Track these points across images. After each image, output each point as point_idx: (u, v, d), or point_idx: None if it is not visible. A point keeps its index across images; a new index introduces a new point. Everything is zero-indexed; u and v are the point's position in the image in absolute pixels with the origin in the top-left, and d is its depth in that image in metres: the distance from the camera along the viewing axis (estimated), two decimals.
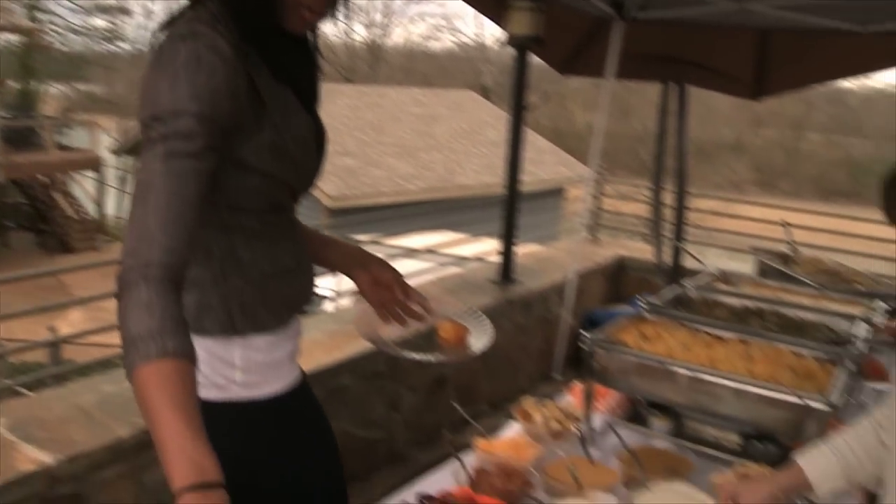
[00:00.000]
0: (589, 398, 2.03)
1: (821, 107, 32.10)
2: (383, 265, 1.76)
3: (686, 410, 2.07)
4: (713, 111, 26.67)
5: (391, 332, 1.78)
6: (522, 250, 5.51)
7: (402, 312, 1.76)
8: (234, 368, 1.47)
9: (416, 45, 30.40)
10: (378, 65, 28.09)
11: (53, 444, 2.44)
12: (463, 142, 16.60)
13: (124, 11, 29.38)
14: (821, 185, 29.31)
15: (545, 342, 4.70)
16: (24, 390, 5.62)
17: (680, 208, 4.66)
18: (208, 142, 1.26)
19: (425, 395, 3.88)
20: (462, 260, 5.48)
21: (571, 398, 2.21)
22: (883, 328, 2.45)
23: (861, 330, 2.28)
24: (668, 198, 4.93)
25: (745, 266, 3.35)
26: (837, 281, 2.94)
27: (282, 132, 1.40)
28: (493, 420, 1.96)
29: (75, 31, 28.74)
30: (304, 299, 1.60)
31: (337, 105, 16.36)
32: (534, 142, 18.00)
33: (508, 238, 4.47)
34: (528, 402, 2.07)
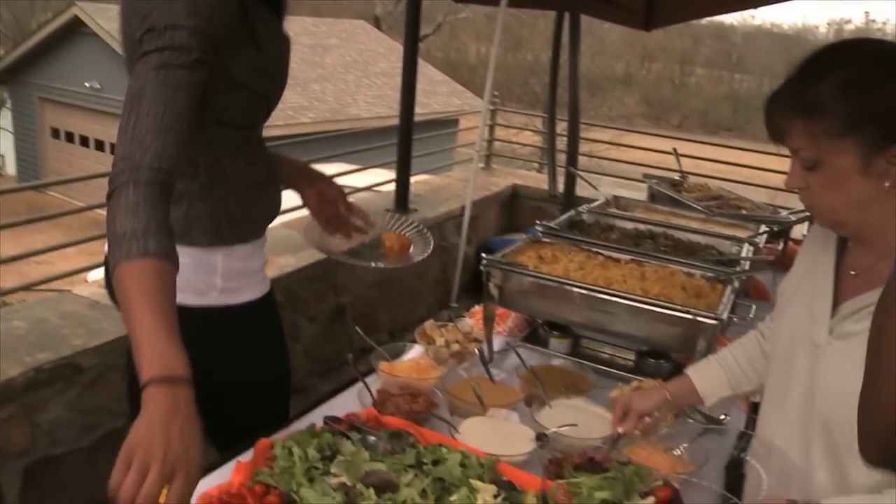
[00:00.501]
0: (489, 320, 2.06)
1: (707, 42, 33.01)
2: (329, 182, 1.89)
3: (583, 330, 2.13)
4: (605, 45, 27.06)
5: (337, 243, 1.92)
6: (417, 179, 5.51)
7: (345, 225, 1.90)
8: (216, 275, 1.58)
9: None
10: None
11: None
12: (355, 73, 16.31)
13: None
14: (707, 118, 30.31)
15: (442, 271, 4.74)
16: None
17: (573, 138, 4.72)
18: (201, 55, 1.32)
19: (324, 324, 3.86)
20: (356, 191, 5.43)
21: (471, 321, 2.23)
22: (765, 250, 2.57)
23: (746, 252, 2.38)
24: (562, 128, 5.00)
25: (637, 194, 3.44)
26: (724, 206, 3.05)
27: (266, 51, 1.50)
28: (395, 348, 1.97)
29: None
30: (276, 211, 1.72)
31: None
32: (426, 73, 17.83)
33: (404, 167, 4.45)
34: (430, 326, 2.08)
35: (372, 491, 1.26)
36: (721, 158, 5.71)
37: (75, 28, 15.29)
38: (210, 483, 1.32)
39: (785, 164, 1.33)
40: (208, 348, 1.39)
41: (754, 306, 1.92)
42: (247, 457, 1.42)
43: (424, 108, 15.76)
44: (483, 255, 2.02)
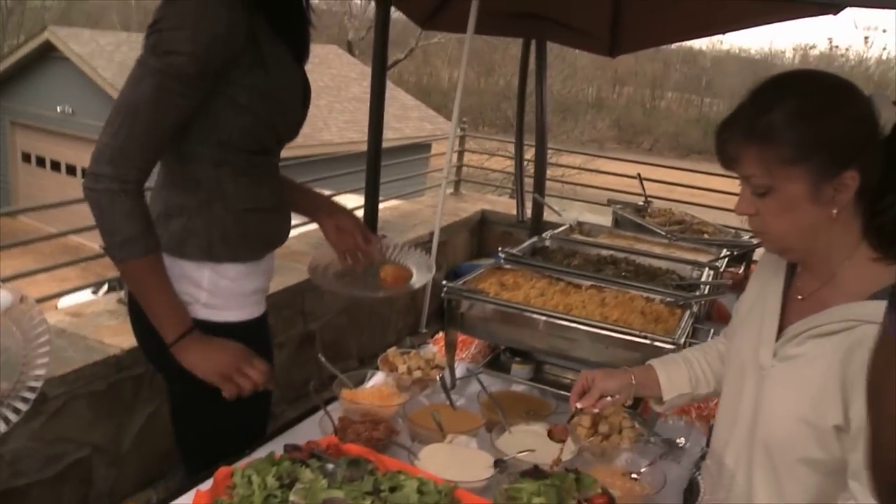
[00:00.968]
0: (450, 347, 2.07)
1: (677, 66, 33.46)
2: (347, 214, 1.99)
3: (544, 356, 2.15)
4: (576, 69, 27.32)
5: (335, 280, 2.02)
6: (387, 205, 5.53)
7: (360, 255, 2.00)
8: (201, 289, 1.67)
9: None
10: None
11: None
12: (327, 98, 16.35)
13: None
14: (678, 141, 30.68)
15: (412, 297, 4.74)
16: None
17: (540, 163, 4.76)
18: (196, 82, 1.47)
19: (293, 351, 3.85)
20: None
21: (435, 348, 2.25)
22: (726, 274, 2.62)
23: (706, 276, 2.42)
24: (532, 153, 5.04)
25: (605, 219, 3.48)
26: (686, 231, 3.10)
27: (274, 80, 1.58)
28: (362, 374, 1.98)
29: None
30: (280, 238, 1.80)
31: None
32: (398, 98, 17.92)
33: (372, 193, 4.45)
34: (393, 353, 2.10)
35: None
36: (690, 183, 5.79)
37: (47, 52, 15.25)
38: None
39: None
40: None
41: (712, 330, 1.95)
42: (207, 485, 1.43)
43: (396, 132, 15.83)
44: (444, 282, 2.04)
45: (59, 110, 15.33)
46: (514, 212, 5.41)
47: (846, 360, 1.18)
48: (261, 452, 1.68)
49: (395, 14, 4.28)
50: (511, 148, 6.86)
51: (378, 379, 2.00)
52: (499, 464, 1.56)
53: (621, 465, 1.62)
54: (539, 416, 1.82)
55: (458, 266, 5.13)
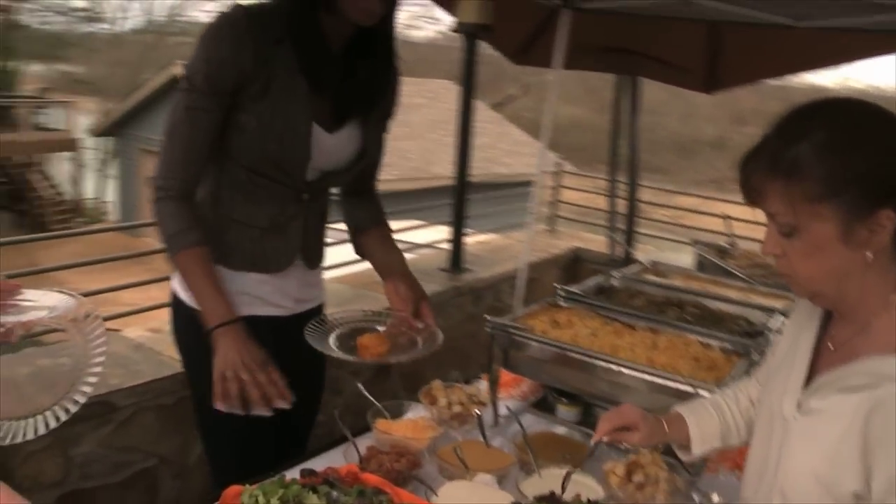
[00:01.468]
0: (494, 383, 2.03)
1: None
2: (409, 282, 1.96)
3: (590, 398, 2.08)
4: (695, 108, 26.74)
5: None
6: (478, 239, 5.52)
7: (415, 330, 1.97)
8: None
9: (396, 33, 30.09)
10: None
11: (20, 405, 2.44)
12: (439, 131, 16.57)
13: None
14: None
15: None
16: None
17: (632, 201, 4.66)
18: (216, 98, 1.65)
19: (369, 380, 3.86)
20: (416, 246, 5.51)
21: (485, 383, 2.21)
22: None
23: (776, 322, 2.29)
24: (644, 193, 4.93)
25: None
26: (768, 275, 2.95)
27: (275, 112, 1.68)
28: (396, 406, 1.97)
29: (55, 11, 28.56)
30: (269, 262, 1.85)
31: None
32: (510, 133, 17.98)
33: (458, 226, 4.47)
34: (437, 385, 2.07)
35: None
36: None
37: (174, 85, 16.06)
38: None
39: None
40: (192, 342, 1.84)
41: None
42: None
43: (507, 168, 15.87)
44: (487, 316, 2.01)
45: None
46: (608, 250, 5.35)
47: (868, 421, 1.07)
48: (293, 472, 1.69)
49: None
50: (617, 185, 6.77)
51: (417, 411, 1.98)
52: None
53: None
54: (574, 461, 1.75)
55: None
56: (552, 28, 4.06)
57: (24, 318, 1.38)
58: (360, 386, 1.97)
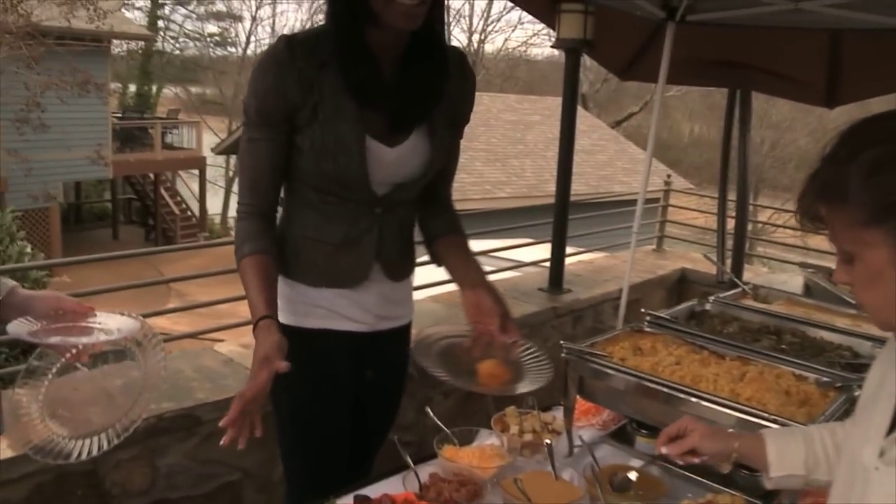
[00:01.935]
0: (569, 411, 1.94)
1: None
2: (489, 292, 1.82)
3: None
4: (825, 124, 25.56)
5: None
6: (581, 258, 5.39)
7: (497, 347, 1.78)
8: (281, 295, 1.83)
9: (516, 51, 30.23)
10: (477, 71, 27.96)
11: (73, 423, 2.53)
12: (555, 149, 16.37)
13: (235, 18, 30.52)
14: None
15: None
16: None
17: (741, 220, 4.44)
18: (270, 127, 1.72)
19: (460, 400, 3.81)
20: (520, 265, 5.43)
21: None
22: None
23: None
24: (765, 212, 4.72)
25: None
26: None
27: (325, 132, 1.70)
28: (466, 433, 1.91)
29: (189, 37, 30.05)
30: (341, 277, 1.85)
31: None
32: (629, 151, 17.66)
33: (559, 245, 4.37)
34: (511, 412, 2.00)
35: None
36: None
37: None
38: None
39: None
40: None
41: None
42: None
43: (624, 186, 15.57)
44: (563, 343, 1.92)
45: None
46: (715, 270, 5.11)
47: None
48: (347, 499, 1.66)
49: None
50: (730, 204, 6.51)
51: (489, 438, 1.91)
52: None
53: None
54: (647, 497, 1.64)
55: None
56: (658, 42, 3.93)
57: (92, 340, 1.49)
58: (429, 410, 1.92)
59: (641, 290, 4.83)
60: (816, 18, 3.39)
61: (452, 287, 4.66)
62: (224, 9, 30.25)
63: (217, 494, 2.78)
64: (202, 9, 29.95)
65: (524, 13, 29.15)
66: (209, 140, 21.35)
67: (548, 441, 1.79)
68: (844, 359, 2.08)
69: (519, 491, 1.57)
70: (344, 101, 1.70)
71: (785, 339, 2.20)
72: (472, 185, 14.12)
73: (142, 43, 24.70)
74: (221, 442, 1.55)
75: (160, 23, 28.75)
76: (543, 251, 5.49)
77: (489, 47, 31.56)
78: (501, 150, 15.95)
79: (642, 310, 2.22)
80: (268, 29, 30.48)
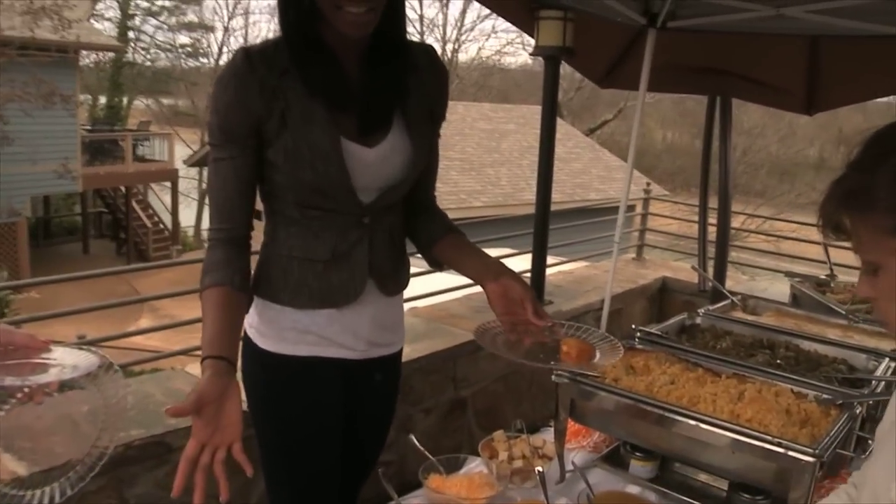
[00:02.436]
0: (560, 435, 1.85)
1: None
2: (516, 279, 1.73)
3: (667, 454, 1.87)
4: (794, 129, 25.81)
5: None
6: (560, 269, 5.32)
7: (533, 332, 1.69)
8: (256, 314, 1.78)
9: (490, 60, 30.26)
10: (451, 80, 27.94)
11: (33, 455, 2.41)
12: (530, 158, 16.41)
13: (207, 28, 30.31)
14: None
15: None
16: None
17: (723, 228, 4.39)
18: (234, 145, 1.62)
19: (441, 417, 3.72)
20: None
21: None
22: None
23: (884, 369, 2.03)
24: (739, 219, 4.67)
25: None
26: (873, 311, 2.67)
27: (297, 140, 1.60)
28: (453, 460, 1.82)
29: (161, 48, 29.80)
30: (334, 296, 1.74)
31: None
32: (603, 158, 17.69)
33: (539, 255, 4.29)
34: (499, 436, 1.91)
35: None
36: None
37: None
38: None
39: None
40: (256, 378, 1.81)
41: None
42: None
43: (600, 193, 15.59)
44: (553, 363, 1.83)
45: None
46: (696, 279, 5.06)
47: None
48: None
49: None
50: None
51: (475, 465, 1.82)
52: None
53: None
54: None
55: None
56: (638, 49, 3.87)
57: (45, 379, 1.38)
58: (413, 438, 1.82)
59: (623, 301, 4.77)
60: (798, 25, 3.35)
61: (432, 300, 4.57)
62: (196, 19, 30.06)
63: None
64: (173, 20, 29.71)
65: (498, 22, 29.28)
66: (181, 152, 21.13)
67: (539, 469, 1.70)
68: (841, 373, 2.01)
69: None
70: (312, 106, 1.62)
71: (779, 354, 2.13)
72: (447, 195, 14.06)
73: (112, 54, 24.45)
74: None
75: (131, 34, 28.48)
76: (523, 262, 5.42)
77: (463, 56, 31.64)
78: (476, 158, 15.92)
79: (633, 326, 2.14)
80: (240, 40, 30.26)
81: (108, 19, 27.79)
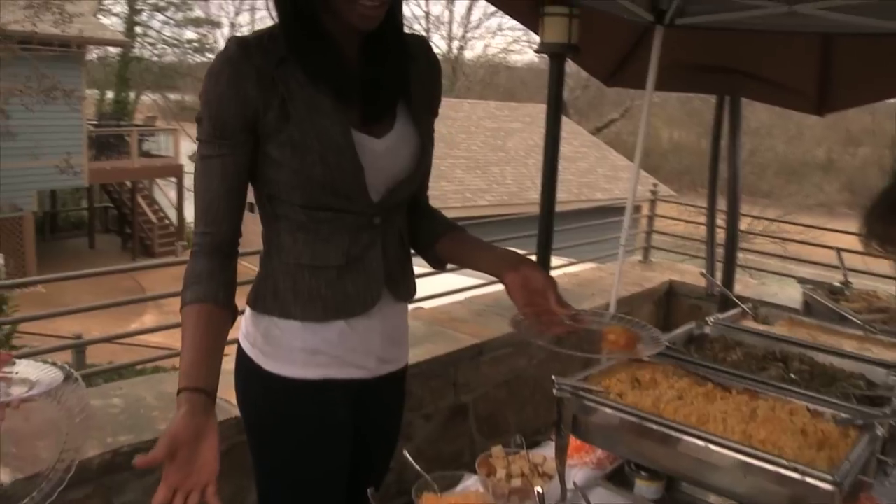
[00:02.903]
0: (561, 452, 1.75)
1: None
2: (535, 268, 1.65)
3: (674, 474, 1.77)
4: (802, 129, 25.67)
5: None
6: (566, 272, 5.24)
7: (557, 323, 1.62)
8: (258, 333, 1.66)
9: (496, 58, 30.18)
10: (457, 78, 27.98)
11: (18, 461, 2.33)
12: (536, 156, 16.32)
13: (213, 24, 30.30)
14: None
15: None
16: None
17: (732, 231, 4.29)
18: (226, 141, 1.50)
19: (442, 424, 3.63)
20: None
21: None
22: None
23: None
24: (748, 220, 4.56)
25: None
26: (891, 321, 2.56)
27: (303, 130, 1.49)
28: (449, 477, 1.73)
29: (168, 44, 29.79)
30: (350, 303, 1.63)
31: None
32: (609, 158, 17.60)
33: (544, 258, 4.19)
34: (497, 452, 1.81)
35: None
36: None
37: None
38: None
39: None
40: (251, 393, 1.72)
41: None
42: None
43: (606, 193, 15.49)
44: (554, 377, 1.73)
45: None
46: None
47: None
48: None
49: None
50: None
51: (472, 483, 1.72)
52: None
53: None
54: None
55: None
56: (645, 47, 3.78)
57: (3, 399, 1.36)
58: (406, 454, 1.73)
59: (629, 305, 4.68)
60: (810, 22, 3.25)
61: (433, 303, 4.46)
62: (202, 15, 30.08)
63: None
64: (180, 15, 29.72)
65: (504, 20, 29.20)
66: (187, 147, 21.03)
67: (539, 489, 1.60)
68: (860, 389, 1.91)
69: None
70: (316, 95, 1.52)
71: (793, 367, 2.03)
72: (452, 193, 13.99)
73: (119, 49, 24.43)
74: None
75: (138, 29, 28.50)
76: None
77: (469, 54, 31.54)
78: (482, 157, 15.84)
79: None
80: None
81: (116, 14, 27.83)
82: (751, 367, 2.00)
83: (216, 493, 1.34)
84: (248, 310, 1.70)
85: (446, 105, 19.64)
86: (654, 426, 1.59)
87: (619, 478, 1.84)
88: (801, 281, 2.97)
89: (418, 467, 1.69)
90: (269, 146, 1.52)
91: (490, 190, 14.78)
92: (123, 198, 20.36)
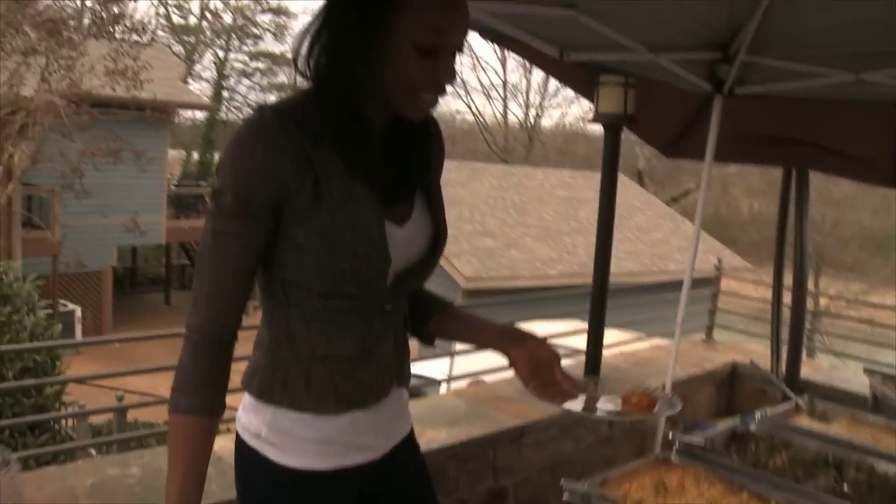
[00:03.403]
0: None
1: None
2: (540, 343, 1.62)
3: None
4: (890, 201, 24.73)
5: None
6: (625, 349, 5.01)
7: (561, 393, 1.61)
8: (263, 424, 1.51)
9: (573, 126, 30.23)
10: (533, 145, 28.02)
11: None
12: None
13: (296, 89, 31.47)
14: None
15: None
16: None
17: (798, 309, 4.01)
18: (250, 219, 1.36)
19: None
20: (575, 353, 5.06)
21: None
22: None
23: None
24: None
25: None
26: None
27: (337, 219, 1.38)
28: None
29: (252, 108, 31.02)
30: (364, 395, 1.53)
31: (482, 185, 16.35)
32: (683, 228, 17.24)
33: (596, 333, 4.00)
34: None
35: None
36: None
37: None
38: None
39: None
40: (266, 496, 1.55)
41: None
42: None
43: (679, 265, 15.12)
44: (564, 481, 1.56)
45: None
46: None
47: None
48: None
49: None
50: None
51: None
52: None
53: None
54: None
55: (699, 424, 4.42)
56: (705, 117, 3.61)
57: None
58: None
59: (687, 387, 4.40)
60: (880, 90, 3.04)
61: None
62: (286, 80, 31.09)
63: None
64: (265, 81, 30.91)
65: None
66: None
67: None
68: None
69: None
70: (352, 183, 1.40)
71: (848, 476, 1.80)
72: (522, 262, 13.82)
73: (205, 112, 25.47)
74: None
75: (225, 93, 29.71)
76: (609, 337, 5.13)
77: (546, 122, 31.67)
78: (553, 226, 15.69)
79: (669, 433, 1.85)
80: None
81: (206, 80, 29.05)
82: (796, 475, 1.78)
83: None
84: (248, 398, 1.56)
85: (519, 173, 19.61)
86: None
87: None
88: (869, 370, 2.70)
89: None
90: (296, 230, 1.39)
91: (560, 259, 14.56)
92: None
